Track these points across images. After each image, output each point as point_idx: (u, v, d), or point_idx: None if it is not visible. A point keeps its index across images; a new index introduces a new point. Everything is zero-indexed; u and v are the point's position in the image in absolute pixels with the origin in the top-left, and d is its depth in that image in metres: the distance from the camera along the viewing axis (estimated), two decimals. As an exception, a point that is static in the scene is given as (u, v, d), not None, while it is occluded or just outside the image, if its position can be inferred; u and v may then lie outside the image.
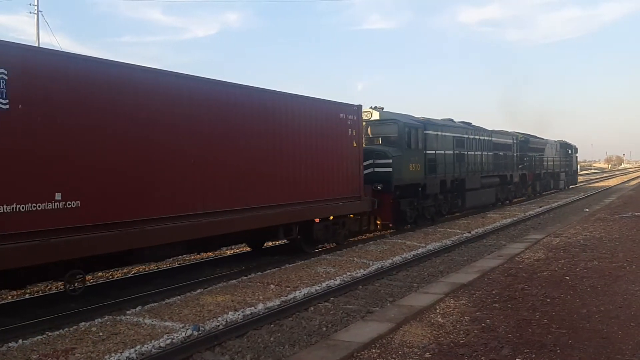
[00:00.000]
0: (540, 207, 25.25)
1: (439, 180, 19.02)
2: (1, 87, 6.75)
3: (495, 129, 26.42)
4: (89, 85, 7.92)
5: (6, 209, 6.86)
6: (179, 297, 9.03)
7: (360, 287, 9.79)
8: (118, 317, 7.86)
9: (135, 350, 6.43)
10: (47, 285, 9.99)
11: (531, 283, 8.99)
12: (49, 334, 7.16)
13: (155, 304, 8.58)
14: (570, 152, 41.69)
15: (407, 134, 17.15)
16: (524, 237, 15.03)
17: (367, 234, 16.27)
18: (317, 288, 9.48)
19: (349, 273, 10.74)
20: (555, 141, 37.92)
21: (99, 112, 8.03)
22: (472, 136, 22.60)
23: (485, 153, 23.83)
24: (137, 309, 8.33)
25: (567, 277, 9.34)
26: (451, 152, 20.25)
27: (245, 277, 10.53)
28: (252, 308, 8.20)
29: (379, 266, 11.48)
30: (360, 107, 14.71)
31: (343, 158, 13.76)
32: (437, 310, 7.55)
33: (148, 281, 10.44)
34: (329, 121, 13.29)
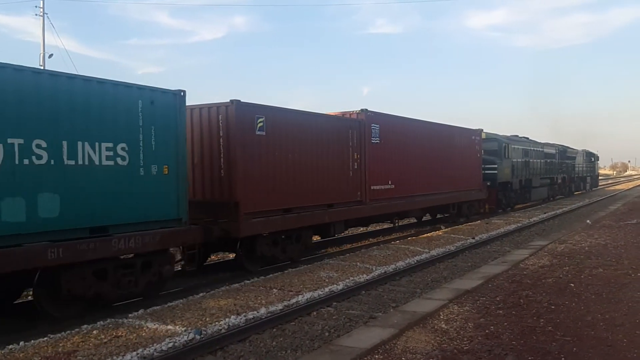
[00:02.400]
0: (545, 213, 25.17)
1: (518, 180, 27.32)
2: (376, 132, 15.10)
3: (544, 142, 34.20)
4: (410, 132, 17.22)
5: (378, 188, 15.28)
6: (181, 300, 9.02)
7: (364, 292, 9.73)
8: (120, 320, 7.85)
9: (137, 354, 6.40)
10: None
11: (536, 290, 8.95)
12: (51, 336, 7.16)
13: (157, 307, 8.55)
14: (593, 159, 48.68)
15: (503, 148, 25.53)
16: (529, 244, 14.97)
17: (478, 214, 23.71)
18: (320, 293, 9.44)
19: (352, 278, 10.69)
20: (582, 150, 45.09)
21: (398, 143, 16.45)
22: (532, 148, 30.37)
23: (540, 160, 31.91)
24: (140, 312, 8.32)
25: (572, 284, 9.29)
26: (522, 160, 28.16)
27: (248, 281, 10.51)
28: (255, 312, 8.17)
29: (382, 271, 11.43)
30: (480, 130, 23.29)
31: (473, 164, 22.40)
32: (441, 317, 7.52)
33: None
34: (467, 141, 22.02)
